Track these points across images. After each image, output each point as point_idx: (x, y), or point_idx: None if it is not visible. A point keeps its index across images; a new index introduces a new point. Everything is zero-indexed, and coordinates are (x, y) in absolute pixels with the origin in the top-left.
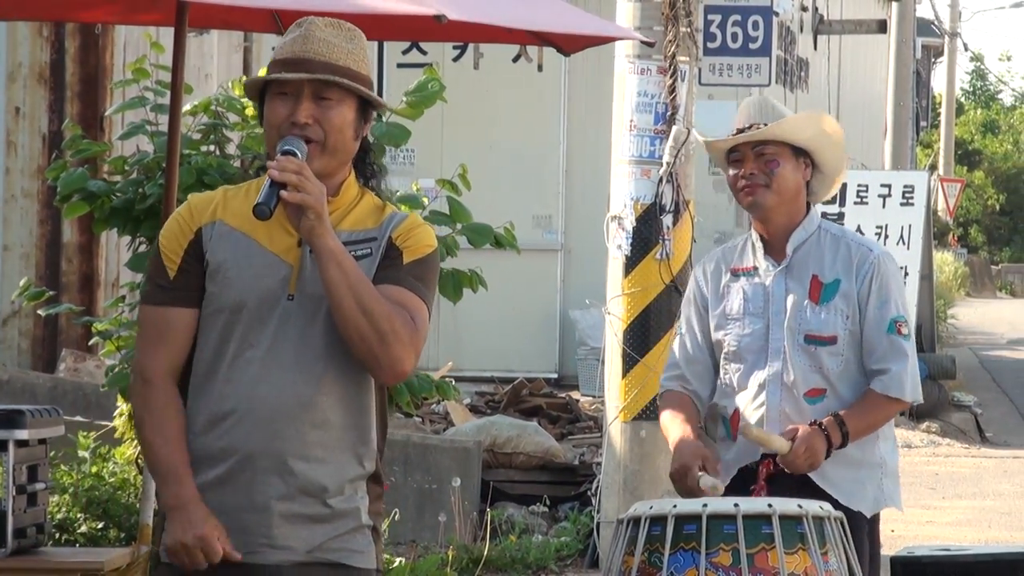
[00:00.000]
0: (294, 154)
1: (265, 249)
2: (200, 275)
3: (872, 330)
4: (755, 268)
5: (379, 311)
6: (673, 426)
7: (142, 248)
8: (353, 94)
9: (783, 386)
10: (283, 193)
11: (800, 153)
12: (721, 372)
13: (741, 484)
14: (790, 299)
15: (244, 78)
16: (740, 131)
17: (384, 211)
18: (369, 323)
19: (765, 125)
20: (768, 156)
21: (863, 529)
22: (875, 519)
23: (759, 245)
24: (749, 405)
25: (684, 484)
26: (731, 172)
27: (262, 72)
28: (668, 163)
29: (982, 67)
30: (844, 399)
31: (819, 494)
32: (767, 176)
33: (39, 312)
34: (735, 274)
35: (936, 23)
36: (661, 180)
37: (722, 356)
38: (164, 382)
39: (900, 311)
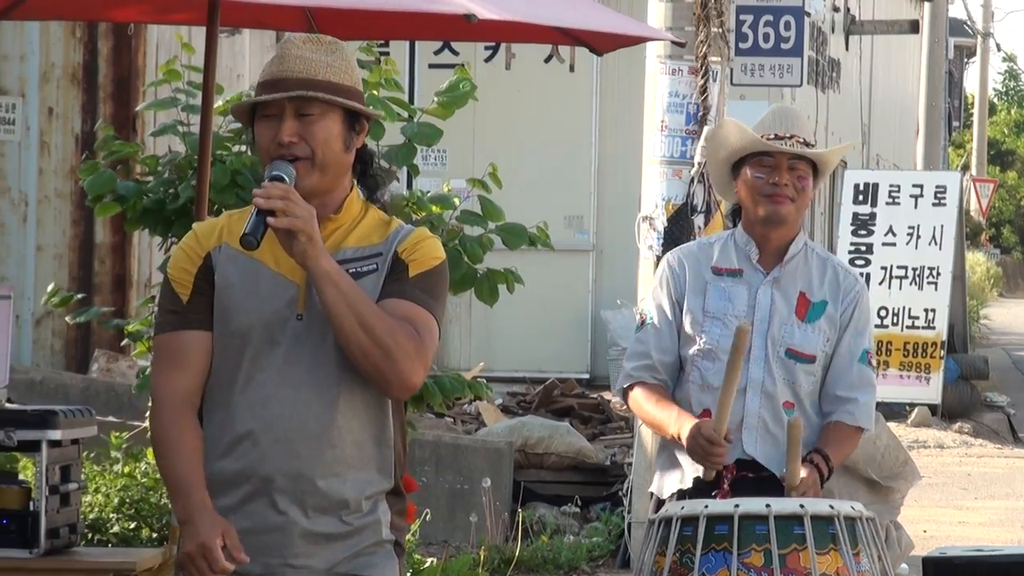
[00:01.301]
0: (281, 179)
1: (271, 270)
2: (210, 304)
3: (844, 357)
4: (741, 271)
5: (380, 327)
6: (670, 413)
7: (174, 248)
8: (336, 106)
9: (764, 393)
10: (270, 220)
11: (816, 175)
12: (689, 368)
13: (707, 486)
14: (776, 310)
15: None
16: (779, 138)
17: (390, 226)
18: (371, 340)
19: (805, 142)
20: (800, 172)
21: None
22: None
23: (751, 250)
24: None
25: (711, 453)
26: (756, 175)
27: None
28: (699, 163)
29: (1015, 67)
30: (810, 418)
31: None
32: (796, 190)
33: (67, 319)
34: (717, 272)
35: (969, 23)
36: (692, 180)
37: (693, 352)
38: (180, 405)
39: (871, 343)
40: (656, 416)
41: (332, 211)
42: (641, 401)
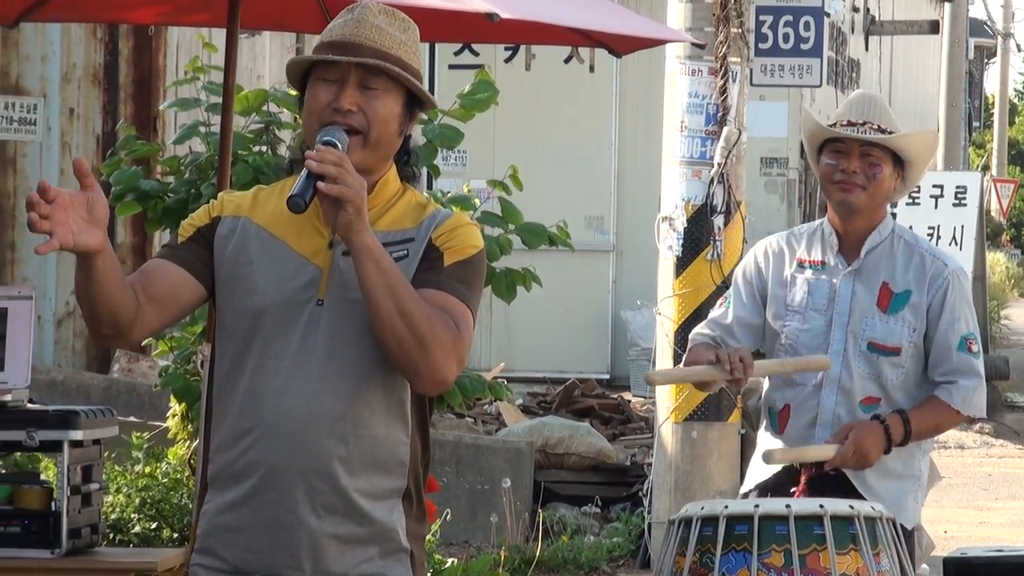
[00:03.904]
0: (334, 145)
1: (293, 251)
2: (203, 259)
3: (941, 347)
4: (824, 263)
5: (419, 314)
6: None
7: None
8: (402, 85)
9: (840, 390)
10: (320, 185)
11: (899, 162)
12: None
13: (788, 481)
14: (857, 303)
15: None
16: (851, 124)
17: (426, 209)
18: (408, 327)
19: (880, 128)
20: (874, 159)
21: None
22: (911, 533)
23: (833, 241)
24: (803, 403)
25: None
26: (827, 162)
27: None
28: (719, 164)
29: None
30: (900, 408)
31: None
32: (867, 178)
33: None
34: (801, 265)
35: (989, 23)
36: (712, 181)
37: (776, 347)
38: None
39: (971, 328)
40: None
41: (367, 191)
42: (696, 351)
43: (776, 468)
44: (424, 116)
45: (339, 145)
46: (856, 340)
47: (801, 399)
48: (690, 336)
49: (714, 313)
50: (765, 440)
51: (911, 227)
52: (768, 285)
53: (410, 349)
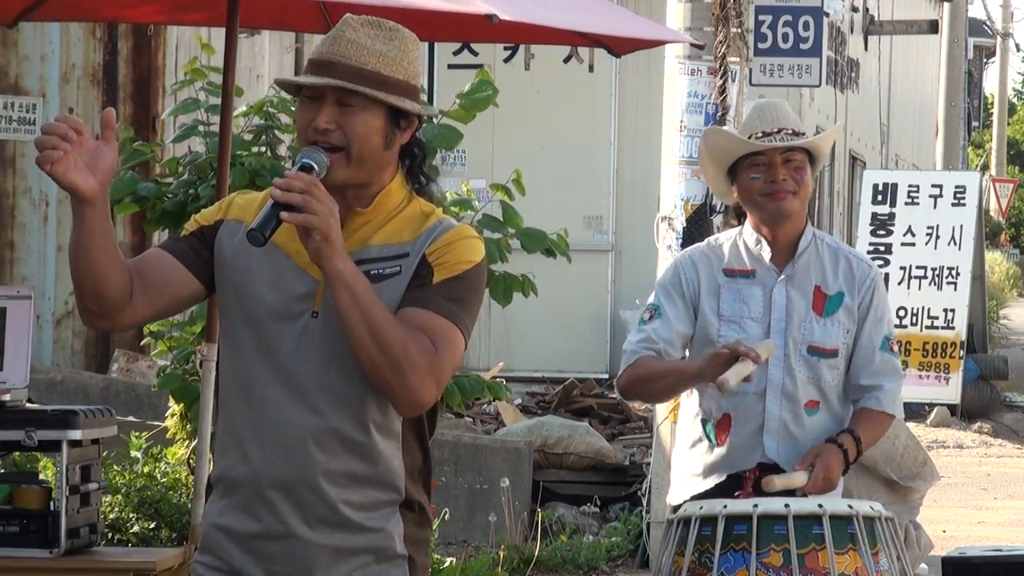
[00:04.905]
0: (310, 168)
1: (292, 261)
2: (202, 255)
3: (866, 346)
4: (754, 271)
5: (393, 339)
6: (682, 361)
7: None
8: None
9: (784, 395)
10: (283, 215)
11: (812, 161)
12: None
13: (729, 488)
14: (793, 308)
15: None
16: (766, 135)
17: (428, 220)
18: (381, 351)
19: (794, 132)
20: (797, 163)
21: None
22: None
23: (763, 249)
24: (746, 411)
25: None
26: (752, 176)
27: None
28: None
29: None
30: (836, 411)
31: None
32: (795, 183)
33: None
34: (730, 274)
35: (988, 23)
36: None
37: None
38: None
39: (891, 329)
40: (668, 367)
41: (363, 205)
42: (649, 364)
43: (717, 480)
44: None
45: (315, 167)
46: (796, 344)
47: (744, 407)
48: (628, 350)
49: (650, 325)
50: (697, 453)
51: (910, 227)
52: (699, 295)
53: (384, 372)
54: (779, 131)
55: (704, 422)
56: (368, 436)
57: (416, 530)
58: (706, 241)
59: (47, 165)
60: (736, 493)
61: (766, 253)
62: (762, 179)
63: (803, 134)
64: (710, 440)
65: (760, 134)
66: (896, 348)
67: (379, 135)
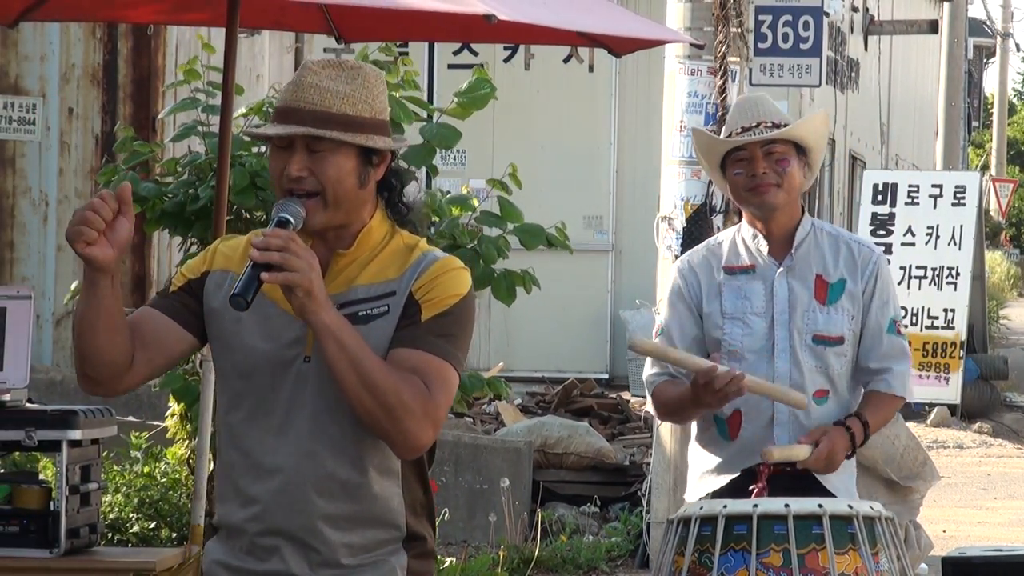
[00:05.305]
0: (287, 222)
1: (280, 308)
2: (193, 309)
3: (873, 329)
4: (753, 267)
5: (385, 386)
6: (679, 390)
7: (193, 249)
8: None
9: (792, 387)
10: (264, 276)
11: (801, 152)
12: None
13: (743, 484)
14: (795, 299)
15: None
16: (746, 129)
17: (412, 254)
18: (374, 400)
19: (774, 124)
20: (778, 155)
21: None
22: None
23: (760, 243)
24: (756, 406)
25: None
26: (735, 172)
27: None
28: None
29: None
30: (844, 398)
31: (822, 494)
32: (778, 175)
33: None
34: (730, 272)
35: (988, 23)
36: (711, 181)
37: (720, 356)
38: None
39: (897, 311)
40: (676, 397)
41: (345, 245)
42: (663, 393)
43: (731, 476)
44: (423, 115)
45: (291, 220)
46: (800, 335)
47: (753, 402)
48: (646, 381)
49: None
50: (711, 450)
51: (910, 227)
52: (702, 297)
53: (380, 420)
54: (758, 125)
55: (716, 419)
56: (367, 478)
57: (418, 562)
58: (705, 243)
59: (80, 243)
60: (751, 488)
61: (764, 247)
62: (744, 174)
63: (785, 125)
64: (723, 437)
65: (740, 129)
66: (903, 330)
67: (353, 176)
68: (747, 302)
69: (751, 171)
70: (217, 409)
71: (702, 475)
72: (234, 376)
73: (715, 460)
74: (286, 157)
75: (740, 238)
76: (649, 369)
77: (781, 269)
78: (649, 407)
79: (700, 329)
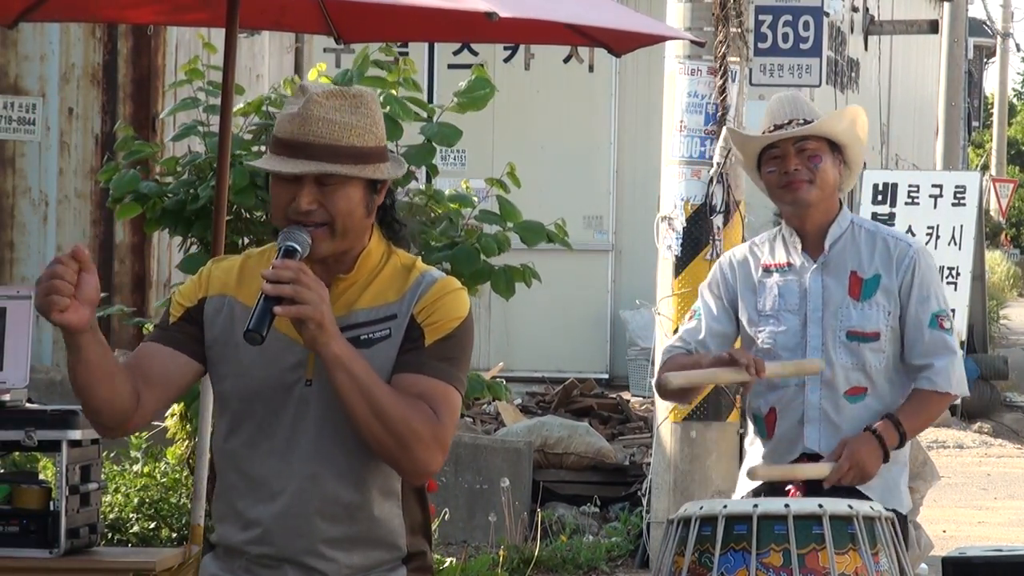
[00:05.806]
0: (294, 251)
1: (279, 332)
2: (196, 337)
3: (914, 325)
4: (790, 264)
5: (395, 414)
6: (695, 356)
7: (193, 249)
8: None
9: (823, 384)
10: (277, 309)
11: (836, 148)
12: None
13: (781, 483)
14: (829, 296)
15: (296, 78)
16: (778, 127)
17: (410, 275)
18: (384, 428)
19: (805, 121)
20: (810, 151)
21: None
22: (905, 518)
23: (796, 241)
24: (788, 404)
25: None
26: (769, 170)
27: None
28: (718, 164)
29: None
30: (884, 396)
31: (854, 494)
32: (811, 172)
33: None
34: (767, 270)
35: (988, 23)
36: (711, 181)
37: (754, 352)
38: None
39: (941, 305)
40: (689, 360)
41: (345, 269)
42: (676, 359)
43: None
44: (423, 115)
45: (299, 250)
46: (834, 332)
47: (786, 400)
48: (664, 348)
49: (686, 326)
50: (754, 448)
51: (910, 227)
52: (737, 294)
53: (390, 447)
54: (790, 122)
55: (755, 418)
56: (368, 500)
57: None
58: (750, 241)
59: (54, 312)
60: (787, 488)
61: (799, 244)
62: (777, 171)
63: (813, 121)
64: (762, 435)
65: (772, 128)
66: (948, 324)
67: (361, 206)
68: (782, 299)
69: (783, 168)
70: (214, 434)
71: (743, 475)
72: (235, 400)
73: (755, 459)
74: (294, 190)
75: (780, 236)
76: (673, 342)
77: (815, 266)
78: (657, 385)
79: (726, 325)
